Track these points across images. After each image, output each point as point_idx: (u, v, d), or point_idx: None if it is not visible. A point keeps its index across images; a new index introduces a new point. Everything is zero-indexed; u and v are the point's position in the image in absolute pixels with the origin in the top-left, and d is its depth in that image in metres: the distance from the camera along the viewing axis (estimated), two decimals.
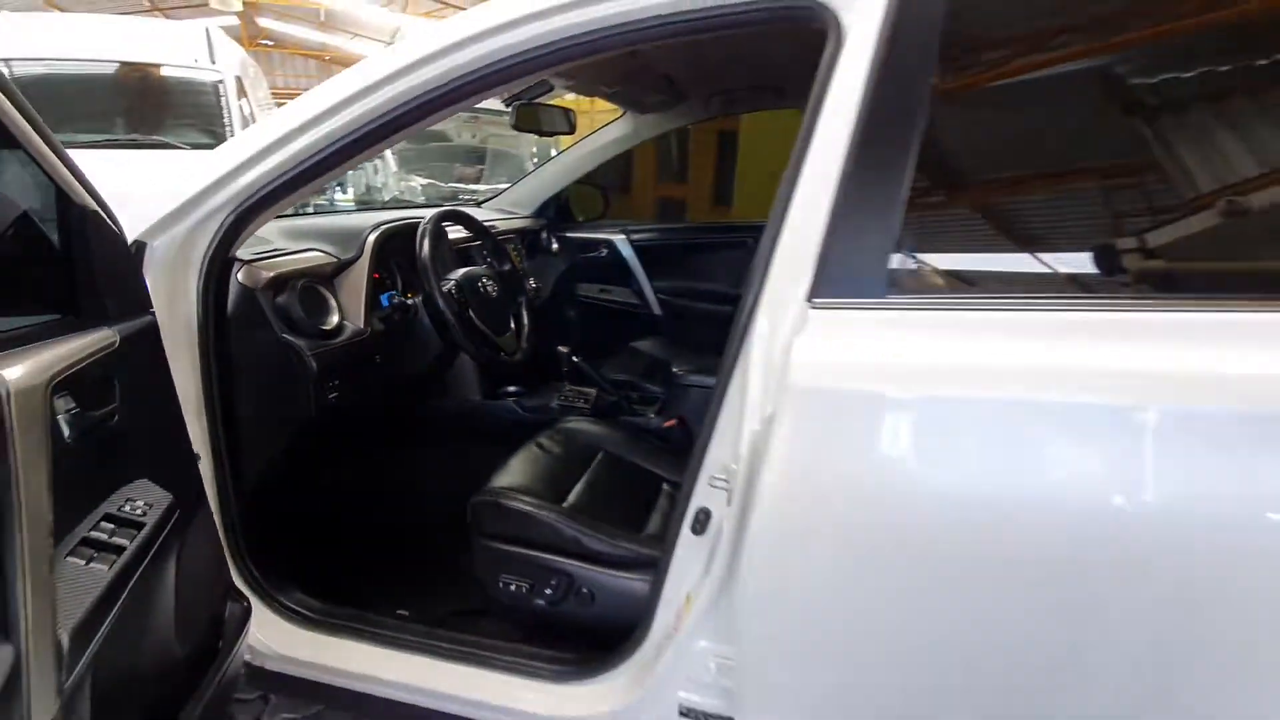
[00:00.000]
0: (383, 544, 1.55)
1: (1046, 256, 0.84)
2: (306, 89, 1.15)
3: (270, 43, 17.58)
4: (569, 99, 2.89)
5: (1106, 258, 0.80)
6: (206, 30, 4.86)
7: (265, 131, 1.04)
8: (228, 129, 4.64)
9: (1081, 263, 0.83)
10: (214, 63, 4.76)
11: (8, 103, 0.64)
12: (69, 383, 0.68)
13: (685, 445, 1.71)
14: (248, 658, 1.16)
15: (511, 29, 0.96)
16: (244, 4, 10.93)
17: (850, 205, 0.79)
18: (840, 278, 0.79)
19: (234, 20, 12.95)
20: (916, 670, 0.84)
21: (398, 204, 4.76)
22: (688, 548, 0.96)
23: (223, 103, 4.64)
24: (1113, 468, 0.71)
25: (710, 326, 2.26)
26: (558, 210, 2.42)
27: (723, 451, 0.89)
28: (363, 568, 1.45)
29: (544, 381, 1.95)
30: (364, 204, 5.09)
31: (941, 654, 0.82)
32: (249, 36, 15.40)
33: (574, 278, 2.43)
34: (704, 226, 2.95)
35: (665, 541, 1.00)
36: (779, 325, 0.81)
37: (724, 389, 0.89)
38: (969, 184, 0.90)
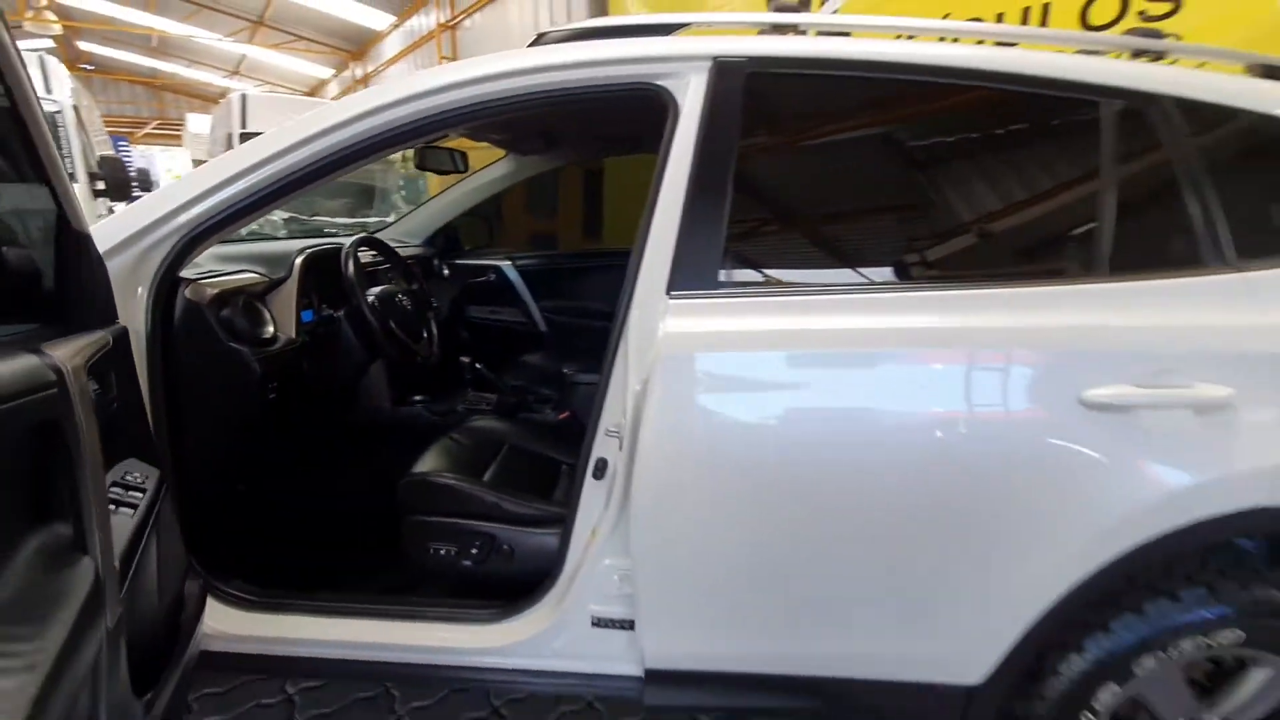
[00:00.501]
0: (316, 534, 1.69)
1: (818, 259, 1.24)
2: (135, 116, 1.36)
3: (91, 67, 16.08)
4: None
5: (853, 260, 1.21)
6: (41, 57, 4.57)
7: (211, 172, 1.23)
8: (67, 161, 4.38)
9: (838, 263, 1.24)
10: (50, 92, 4.48)
11: (50, 141, 0.82)
12: (90, 370, 0.85)
13: (579, 434, 1.99)
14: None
15: (420, 99, 1.22)
16: (63, 26, 10.04)
17: (691, 227, 1.14)
18: (687, 277, 1.13)
19: (49, 43, 11.81)
20: (755, 560, 1.17)
21: (304, 233, 4.75)
22: (591, 490, 1.25)
23: (61, 135, 4.37)
24: (864, 392, 1.10)
25: (589, 338, 2.59)
26: (446, 240, 2.65)
27: (614, 409, 1.19)
28: (300, 556, 1.58)
29: (447, 390, 2.16)
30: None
31: (770, 547, 1.16)
32: (68, 60, 14.06)
33: (466, 301, 2.66)
34: (579, 253, 3.27)
35: (572, 489, 1.27)
36: (648, 312, 1.13)
37: (611, 363, 1.19)
38: (767, 211, 1.29)
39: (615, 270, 2.75)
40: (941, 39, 1.78)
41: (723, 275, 1.14)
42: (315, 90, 17.71)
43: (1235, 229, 1.12)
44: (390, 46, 11.57)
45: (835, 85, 1.25)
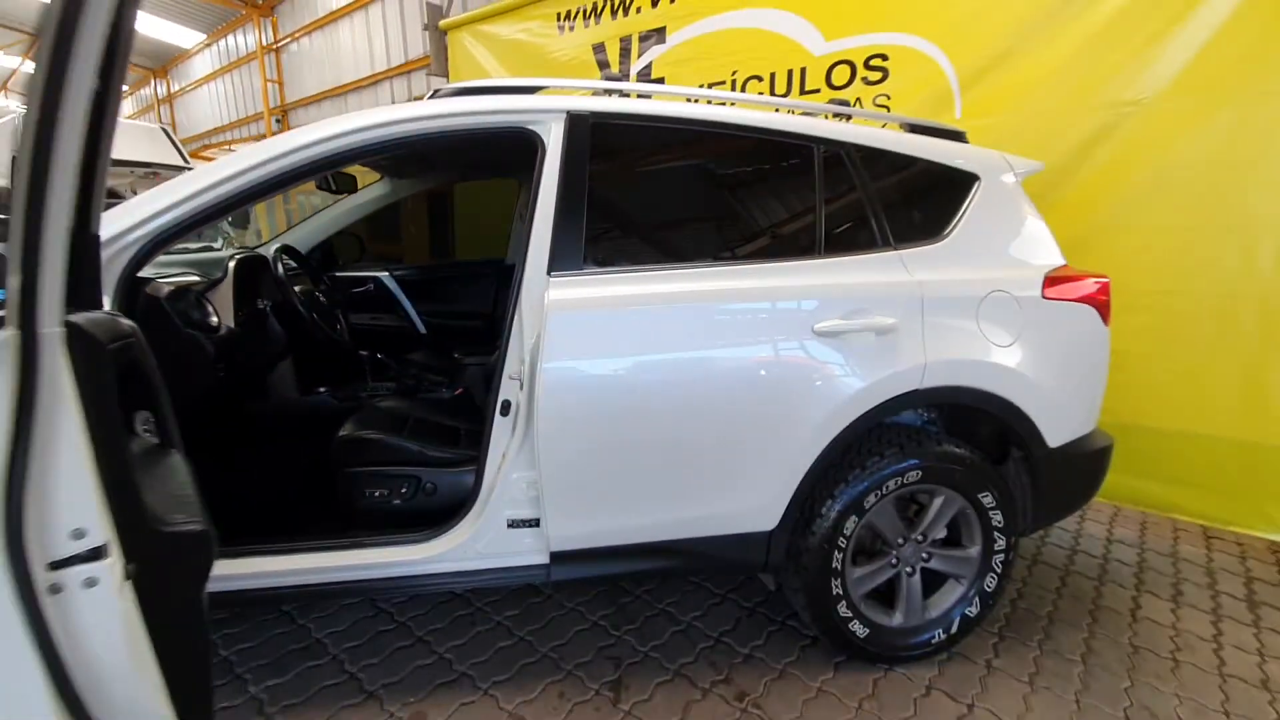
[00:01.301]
0: (261, 492, 1.92)
1: (642, 248, 1.80)
2: None
3: None
4: None
5: (665, 249, 1.78)
6: None
7: (165, 194, 1.50)
8: None
9: (655, 251, 1.81)
10: None
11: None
12: None
13: (470, 405, 2.39)
14: None
15: (347, 135, 1.59)
16: None
17: (561, 226, 1.63)
18: (560, 262, 1.62)
19: None
20: (621, 459, 1.67)
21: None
22: (499, 425, 1.68)
23: None
24: (672, 331, 1.66)
25: (462, 335, 2.99)
26: (324, 254, 2.89)
27: (513, 361, 1.64)
28: (252, 509, 1.81)
29: (348, 380, 2.45)
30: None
31: (630, 448, 1.67)
32: None
33: (348, 308, 2.92)
34: (448, 263, 3.62)
35: (484, 427, 1.70)
36: (535, 287, 1.60)
37: (510, 326, 1.64)
38: (609, 216, 1.82)
39: (472, 276, 3.21)
40: (712, 102, 2.47)
41: (584, 260, 1.65)
42: None
43: (892, 224, 1.85)
44: (201, 64, 10.78)
45: (647, 132, 1.83)
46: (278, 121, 8.86)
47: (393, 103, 6.98)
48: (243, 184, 1.54)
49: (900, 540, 1.92)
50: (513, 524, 1.70)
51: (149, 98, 13.19)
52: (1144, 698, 1.87)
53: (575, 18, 4.56)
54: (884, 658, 1.95)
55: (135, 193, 5.88)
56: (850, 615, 1.87)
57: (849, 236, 1.86)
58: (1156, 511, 2.92)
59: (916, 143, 2.03)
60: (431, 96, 1.74)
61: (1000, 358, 1.85)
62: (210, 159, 8.23)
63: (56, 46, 0.68)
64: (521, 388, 1.62)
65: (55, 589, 0.70)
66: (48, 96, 0.69)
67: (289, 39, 8.23)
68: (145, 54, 11.92)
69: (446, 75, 5.57)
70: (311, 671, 1.88)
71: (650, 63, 4.20)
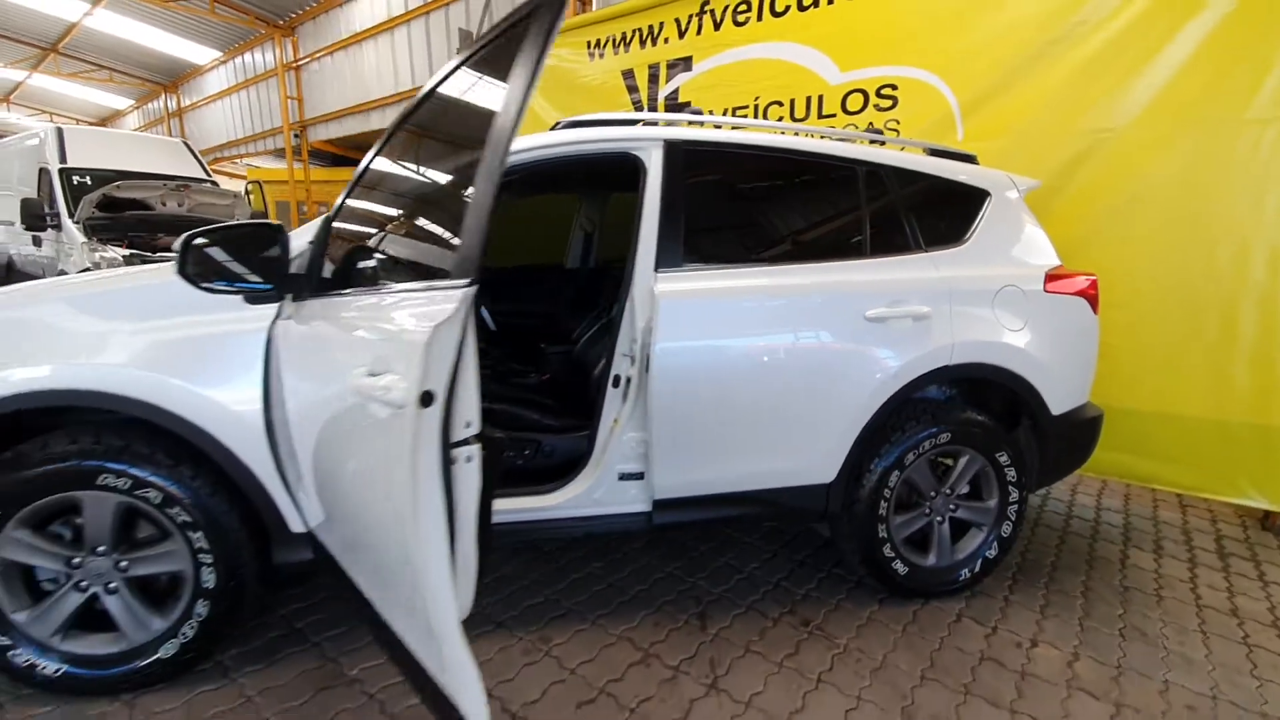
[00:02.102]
0: None
1: (728, 249, 2.18)
2: None
3: None
4: None
5: (746, 249, 2.16)
6: None
7: None
8: None
9: (739, 251, 2.19)
10: None
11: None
12: None
13: (555, 387, 2.75)
14: None
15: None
16: None
17: (663, 233, 2.01)
18: (664, 260, 2.00)
19: None
20: (715, 422, 2.04)
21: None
22: (611, 396, 2.05)
23: None
24: (759, 316, 2.04)
25: (525, 331, 3.35)
26: None
27: (625, 341, 2.01)
28: None
29: None
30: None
31: (723, 414, 2.04)
32: None
33: None
34: (510, 267, 3.95)
35: (598, 396, 2.06)
36: (643, 281, 1.98)
37: (622, 310, 2.01)
38: (700, 222, 2.20)
39: (534, 279, 3.56)
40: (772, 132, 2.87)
41: (682, 259, 2.02)
42: (107, 120, 15.83)
43: (922, 231, 2.26)
44: (215, 80, 11.04)
45: (726, 156, 2.22)
46: (296, 136, 9.16)
47: None
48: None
49: (932, 494, 2.31)
50: (623, 476, 2.05)
51: (157, 111, 13.37)
52: (1135, 622, 2.27)
53: (605, 46, 4.97)
54: (920, 593, 2.33)
55: (165, 205, 6.27)
56: (893, 556, 2.25)
57: (889, 241, 2.26)
58: (1138, 483, 3.34)
59: (938, 164, 2.45)
60: (553, 129, 2.12)
61: (1012, 339, 2.26)
62: (226, 172, 8.50)
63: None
64: (633, 364, 1.99)
65: (452, 460, 1.05)
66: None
67: (309, 58, 8.54)
68: (156, 69, 12.13)
69: None
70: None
71: (677, 88, 4.61)
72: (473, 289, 1.01)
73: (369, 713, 1.72)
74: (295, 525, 1.78)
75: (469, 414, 1.07)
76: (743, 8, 4.29)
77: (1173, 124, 2.98)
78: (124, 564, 1.71)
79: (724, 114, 4.42)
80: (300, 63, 8.78)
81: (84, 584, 1.70)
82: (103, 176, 7.25)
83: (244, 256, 1.62)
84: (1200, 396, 3.05)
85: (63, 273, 6.88)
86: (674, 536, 2.75)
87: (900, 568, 2.26)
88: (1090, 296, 2.42)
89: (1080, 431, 2.47)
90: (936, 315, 2.16)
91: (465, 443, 1.07)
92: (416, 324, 1.04)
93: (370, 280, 1.68)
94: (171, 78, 12.26)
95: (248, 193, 7.72)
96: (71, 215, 6.87)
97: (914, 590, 2.32)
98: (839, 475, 2.17)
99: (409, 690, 1.72)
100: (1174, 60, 2.97)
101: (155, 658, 1.73)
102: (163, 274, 1.77)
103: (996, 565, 2.40)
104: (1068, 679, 1.95)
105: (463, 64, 1.35)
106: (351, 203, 1.74)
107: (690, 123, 2.32)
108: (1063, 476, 2.63)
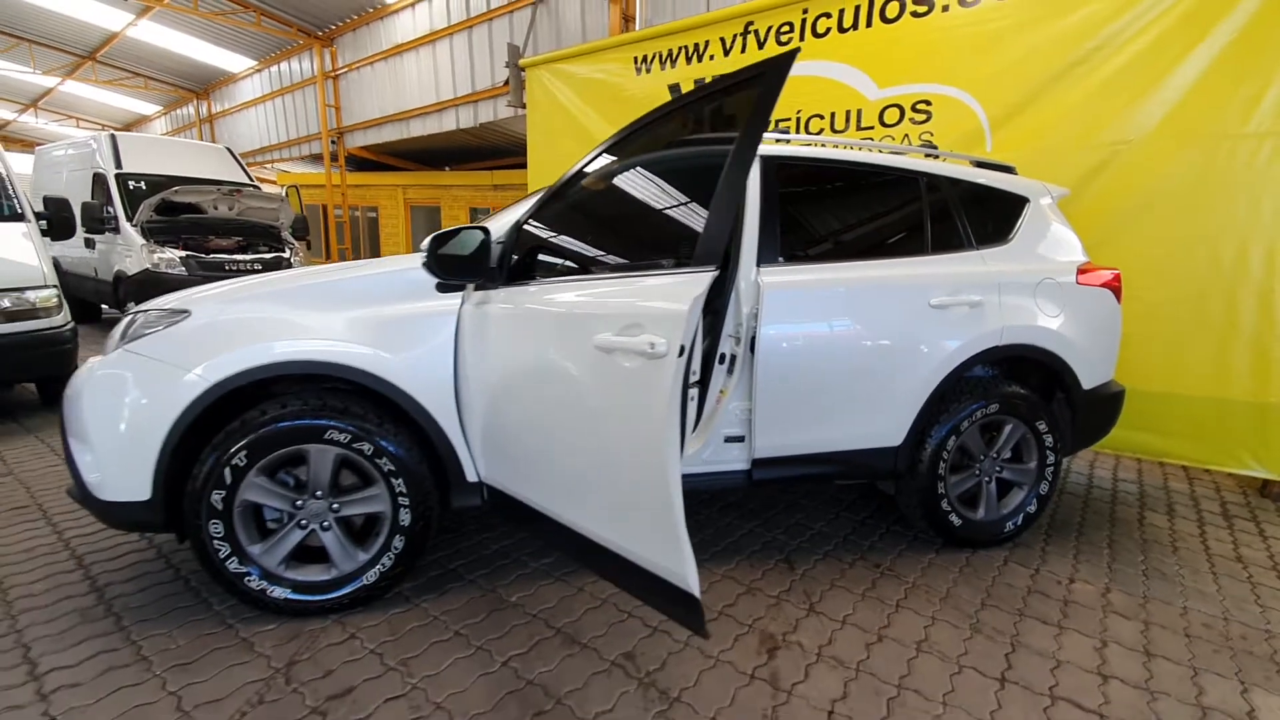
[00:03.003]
0: None
1: (815, 247, 2.56)
2: None
3: None
4: None
5: (830, 245, 2.55)
6: None
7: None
8: (14, 201, 4.50)
9: (823, 248, 2.58)
10: None
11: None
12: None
13: None
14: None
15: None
16: None
17: (763, 234, 2.39)
18: (764, 256, 2.38)
19: None
20: (808, 392, 2.42)
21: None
22: (719, 370, 2.42)
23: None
24: (843, 303, 2.43)
25: None
26: None
27: (731, 324, 2.39)
28: None
29: None
30: None
31: (815, 385, 2.42)
32: None
33: None
34: None
35: (704, 373, 2.43)
36: (747, 274, 2.36)
37: (727, 300, 2.39)
38: (793, 226, 2.58)
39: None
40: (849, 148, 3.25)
41: (778, 256, 2.40)
42: (133, 125, 16.15)
43: (974, 232, 2.65)
44: (249, 87, 11.39)
45: (812, 169, 2.60)
46: (334, 142, 9.53)
47: (458, 127, 7.71)
48: None
49: (982, 457, 2.69)
50: (727, 439, 2.43)
51: (186, 117, 13.70)
52: (1155, 565, 2.65)
53: (652, 61, 5.36)
54: (971, 543, 2.71)
55: (216, 208, 6.68)
56: (950, 510, 2.63)
57: (947, 240, 2.65)
58: (1150, 457, 3.74)
59: (984, 174, 2.84)
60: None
61: (1050, 324, 2.65)
62: (258, 177, 8.84)
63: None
64: (738, 344, 2.37)
65: (689, 396, 1.42)
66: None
67: (348, 68, 8.91)
68: (189, 76, 12.48)
69: (523, 106, 6.32)
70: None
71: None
72: (716, 273, 1.38)
73: (537, 626, 2.09)
74: (470, 475, 2.16)
75: (695, 365, 1.44)
76: (785, 28, 4.69)
77: (1182, 137, 3.38)
78: (335, 506, 2.08)
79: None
80: (339, 72, 9.13)
81: (304, 522, 2.07)
82: (155, 181, 7.61)
83: (464, 255, 1.98)
84: (1205, 378, 3.44)
85: (120, 274, 7.24)
86: (745, 503, 3.13)
87: (956, 520, 2.65)
88: (1114, 288, 2.82)
89: (1106, 404, 2.87)
90: (988, 303, 2.55)
91: (690, 386, 1.43)
92: (671, 297, 1.41)
93: (572, 271, 2.05)
94: (202, 84, 12.60)
95: (285, 197, 8.07)
96: (129, 218, 7.22)
97: (967, 540, 2.70)
98: (905, 439, 2.55)
99: (567, 609, 2.10)
100: (1183, 81, 3.37)
101: (360, 584, 2.10)
102: (372, 269, 2.15)
103: (1035, 520, 2.79)
104: (1103, 605, 2.33)
105: (689, 102, 1.71)
106: (545, 211, 2.10)
107: (777, 140, 2.70)
108: (1091, 443, 3.02)
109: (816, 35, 4.56)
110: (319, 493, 2.06)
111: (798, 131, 4.69)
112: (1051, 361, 2.68)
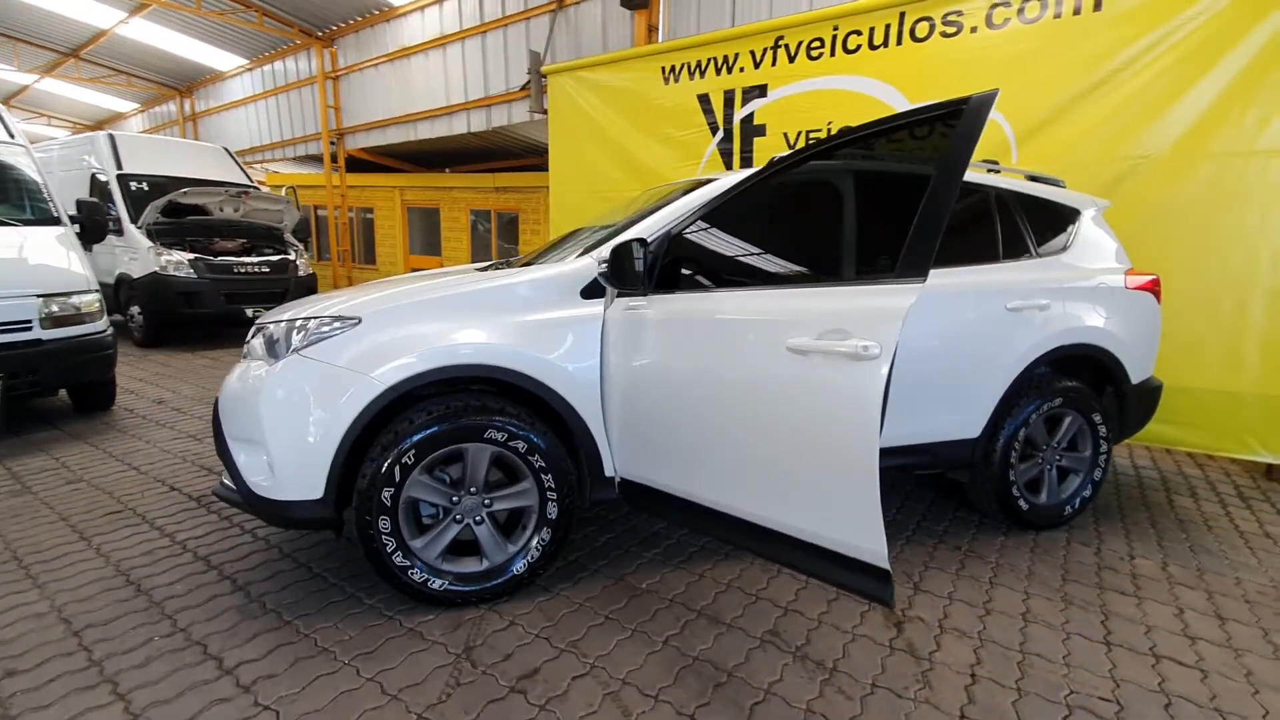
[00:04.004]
0: None
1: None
2: None
3: None
4: None
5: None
6: None
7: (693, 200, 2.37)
8: (51, 205, 4.43)
9: None
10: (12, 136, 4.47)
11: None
12: None
13: None
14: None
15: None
16: None
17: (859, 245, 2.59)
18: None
19: None
20: (907, 387, 2.62)
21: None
22: None
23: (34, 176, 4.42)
24: (939, 314, 2.64)
25: None
26: None
27: None
28: None
29: None
30: None
31: (923, 382, 2.62)
32: None
33: None
34: None
35: None
36: None
37: None
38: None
39: None
40: None
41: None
42: (107, 123, 15.48)
43: (1037, 241, 2.90)
44: (239, 86, 11.09)
45: None
46: (333, 143, 9.38)
47: (469, 130, 7.72)
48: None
49: (1045, 446, 2.94)
50: None
51: (168, 115, 13.20)
52: (1198, 541, 2.94)
53: (680, 71, 5.53)
54: (1035, 525, 2.96)
55: (221, 210, 6.68)
56: (1019, 495, 2.87)
57: (1015, 249, 2.89)
58: (1165, 446, 4.07)
59: (1041, 187, 3.10)
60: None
61: (1106, 325, 2.91)
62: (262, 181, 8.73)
63: None
64: None
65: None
66: None
67: (351, 69, 8.80)
68: (172, 74, 12.03)
69: (544, 111, 6.42)
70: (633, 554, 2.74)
71: (752, 112, 5.21)
72: (923, 284, 1.55)
73: (678, 609, 2.24)
74: (609, 470, 2.29)
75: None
76: (816, 43, 4.91)
77: (1197, 153, 3.70)
78: (488, 501, 2.19)
79: (797, 136, 5.04)
80: (340, 73, 9.01)
81: (459, 517, 2.17)
82: (157, 183, 7.45)
83: (636, 266, 2.10)
84: (1217, 373, 3.78)
85: (123, 276, 7.06)
86: None
87: (1024, 505, 2.89)
88: (1156, 292, 3.10)
89: (1149, 397, 3.16)
90: (1054, 306, 2.80)
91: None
92: (883, 306, 1.58)
93: (732, 281, 2.18)
94: (186, 82, 12.19)
95: (290, 199, 7.98)
96: (133, 220, 7.06)
97: (1032, 523, 2.94)
98: (982, 432, 2.77)
99: (699, 593, 2.26)
100: (1199, 101, 3.69)
101: (510, 574, 2.22)
102: (524, 276, 2.27)
103: (1090, 503, 3.06)
104: (1166, 577, 2.60)
105: (881, 129, 1.86)
106: (704, 223, 2.22)
107: None
108: (1134, 433, 3.30)
109: (847, 51, 4.80)
110: (473, 489, 2.17)
111: None
112: (1106, 359, 2.95)
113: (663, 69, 5.62)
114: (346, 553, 2.59)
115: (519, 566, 2.23)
